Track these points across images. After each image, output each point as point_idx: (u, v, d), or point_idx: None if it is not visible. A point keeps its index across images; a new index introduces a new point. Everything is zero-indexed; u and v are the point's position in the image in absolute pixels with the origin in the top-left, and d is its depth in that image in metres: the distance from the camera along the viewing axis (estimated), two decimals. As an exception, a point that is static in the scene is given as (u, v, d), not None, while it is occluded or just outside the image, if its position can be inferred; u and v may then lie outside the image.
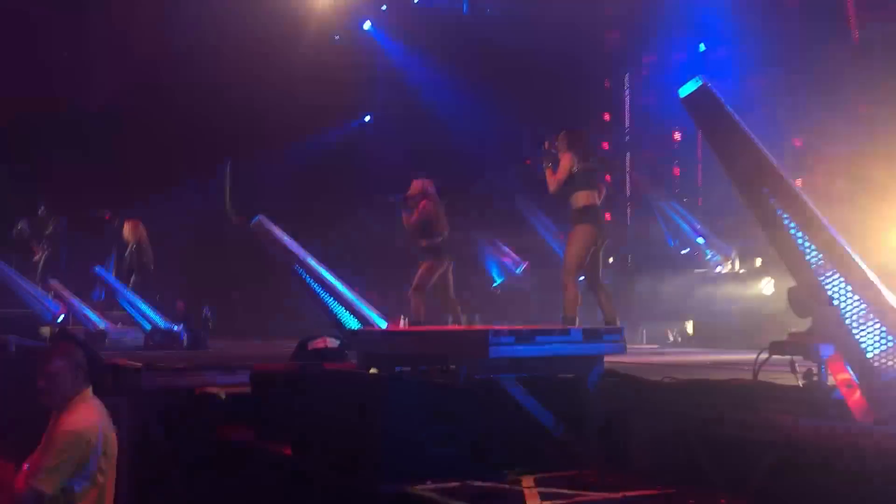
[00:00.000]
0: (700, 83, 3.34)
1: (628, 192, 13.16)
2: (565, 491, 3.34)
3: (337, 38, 14.66)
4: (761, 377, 3.55)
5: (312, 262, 6.26)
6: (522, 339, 4.02)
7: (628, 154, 13.34)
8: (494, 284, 13.68)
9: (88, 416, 4.18)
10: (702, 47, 12.10)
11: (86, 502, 4.12)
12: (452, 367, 4.08)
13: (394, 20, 14.66)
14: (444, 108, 13.36)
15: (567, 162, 6.75)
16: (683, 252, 11.31)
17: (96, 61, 14.29)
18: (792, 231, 3.35)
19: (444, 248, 8.15)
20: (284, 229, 6.55)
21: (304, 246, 6.38)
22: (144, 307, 9.90)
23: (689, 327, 10.33)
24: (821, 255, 3.31)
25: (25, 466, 4.20)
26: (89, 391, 4.29)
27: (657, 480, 3.40)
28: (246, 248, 11.08)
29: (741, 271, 10.23)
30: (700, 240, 11.06)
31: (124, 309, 10.24)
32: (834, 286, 3.29)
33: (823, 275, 3.30)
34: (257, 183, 13.75)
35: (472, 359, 3.99)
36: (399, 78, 14.52)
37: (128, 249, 11.45)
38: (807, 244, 3.33)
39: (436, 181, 8.44)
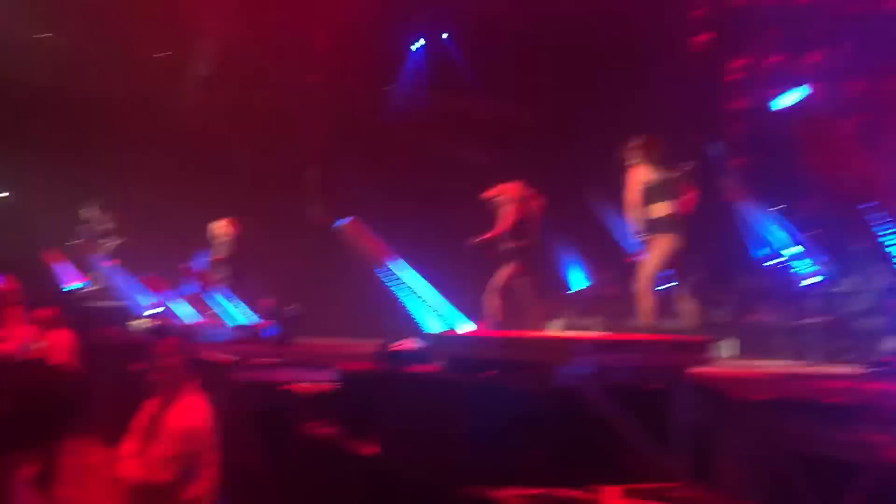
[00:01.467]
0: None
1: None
2: (651, 503, 3.30)
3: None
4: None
5: (398, 264, 6.34)
6: (606, 347, 3.98)
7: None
8: (574, 290, 13.53)
9: (201, 409, 4.36)
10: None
11: (195, 491, 4.29)
12: (536, 373, 4.08)
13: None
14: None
15: (637, 176, 6.53)
16: (776, 261, 10.95)
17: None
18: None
19: (529, 252, 8.15)
20: (371, 231, 6.65)
21: (390, 247, 6.47)
22: (231, 304, 10.19)
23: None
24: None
25: (123, 452, 4.39)
26: (195, 384, 4.46)
27: (746, 497, 3.32)
28: (330, 248, 11.27)
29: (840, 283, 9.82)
30: (798, 248, 10.67)
31: (212, 305, 10.56)
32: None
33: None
34: (342, 185, 13.91)
35: (555, 366, 3.98)
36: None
37: (217, 247, 11.78)
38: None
39: (528, 184, 8.44)
